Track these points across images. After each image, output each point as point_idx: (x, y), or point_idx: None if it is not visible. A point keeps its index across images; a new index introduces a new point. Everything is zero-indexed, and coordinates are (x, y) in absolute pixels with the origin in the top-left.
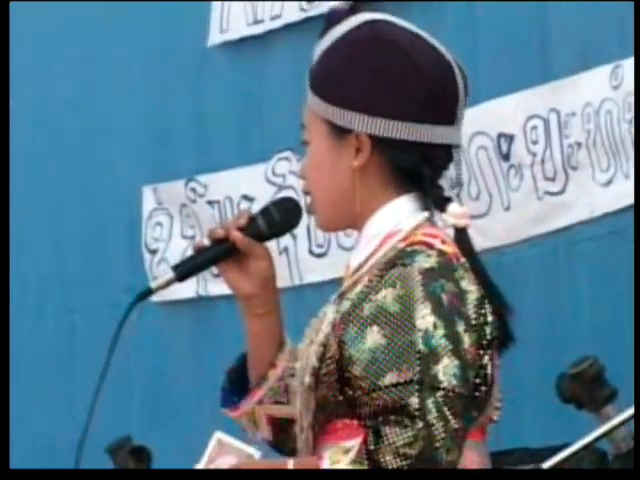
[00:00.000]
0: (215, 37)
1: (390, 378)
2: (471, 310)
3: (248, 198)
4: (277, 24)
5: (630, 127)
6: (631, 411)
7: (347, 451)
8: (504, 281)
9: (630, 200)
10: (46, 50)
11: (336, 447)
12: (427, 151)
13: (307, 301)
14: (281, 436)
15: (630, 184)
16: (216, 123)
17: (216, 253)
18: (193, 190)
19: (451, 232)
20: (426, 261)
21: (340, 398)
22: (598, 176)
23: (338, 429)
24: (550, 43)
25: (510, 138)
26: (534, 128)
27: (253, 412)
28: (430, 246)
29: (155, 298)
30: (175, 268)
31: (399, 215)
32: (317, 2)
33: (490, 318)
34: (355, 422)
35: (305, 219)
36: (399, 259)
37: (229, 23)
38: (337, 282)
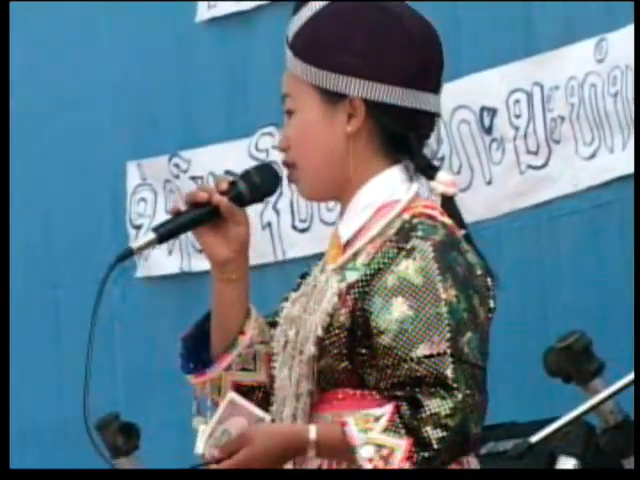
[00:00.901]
0: (203, 12)
1: (422, 349)
2: (480, 283)
3: (231, 174)
4: (264, 1)
5: (615, 101)
6: (622, 382)
7: (377, 419)
8: (486, 255)
9: (614, 174)
10: (29, 26)
11: (361, 414)
12: (415, 118)
13: (291, 276)
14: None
15: (614, 158)
16: (201, 99)
17: (197, 216)
18: (176, 166)
19: (436, 200)
20: (436, 233)
21: (349, 367)
22: (581, 150)
23: (338, 398)
24: (533, 16)
25: (493, 112)
26: (517, 102)
27: (220, 378)
28: (433, 218)
29: (139, 274)
30: (155, 229)
31: (392, 185)
32: None
33: (491, 290)
34: (358, 392)
35: (288, 194)
36: (410, 230)
37: None
38: (321, 257)
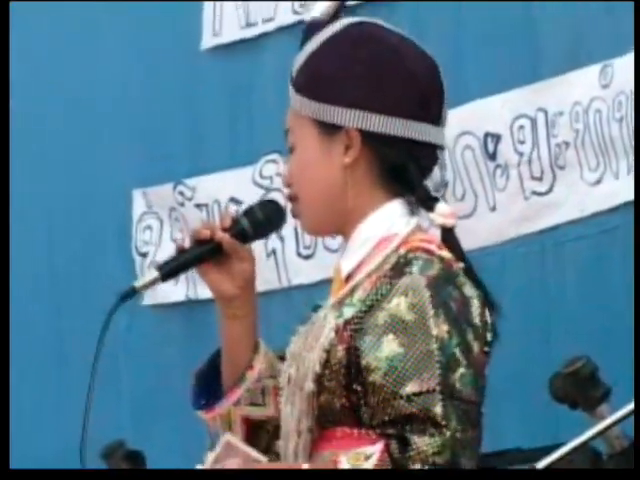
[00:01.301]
0: (208, 40)
1: (412, 387)
2: (476, 317)
3: (236, 201)
4: (270, 27)
5: (620, 126)
6: (626, 410)
7: (368, 457)
8: (490, 282)
9: (619, 200)
10: (39, 52)
11: (353, 453)
12: (414, 149)
13: (295, 303)
14: (253, 438)
15: (620, 184)
16: (206, 126)
17: (200, 253)
18: (181, 193)
19: (436, 232)
20: (431, 268)
21: (346, 405)
22: (587, 175)
23: (337, 437)
24: (538, 42)
25: (497, 138)
26: (521, 128)
27: (229, 413)
28: (430, 252)
29: (146, 302)
30: (159, 268)
31: (391, 219)
32: (310, 3)
33: (489, 322)
34: (356, 431)
35: (292, 221)
36: (404, 266)
37: (222, 26)
38: (326, 284)
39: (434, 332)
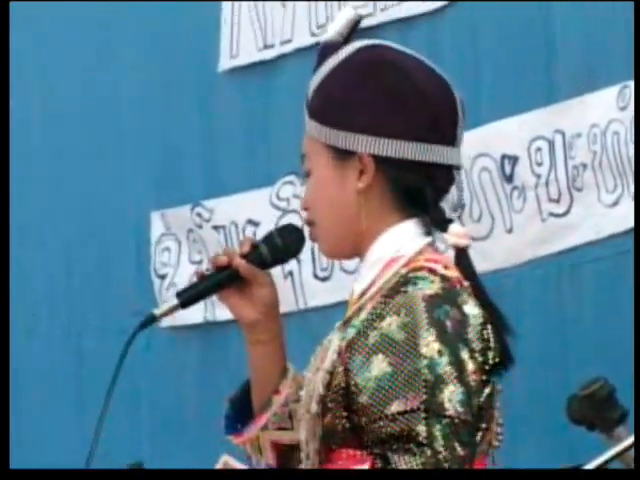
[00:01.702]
0: (225, 62)
1: (396, 406)
2: (475, 335)
3: (253, 222)
4: (287, 49)
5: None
6: None
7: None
8: (506, 304)
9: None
10: (53, 68)
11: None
12: (429, 172)
13: (312, 325)
14: (285, 462)
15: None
16: (223, 148)
17: (219, 280)
18: (199, 215)
19: (452, 253)
20: (429, 287)
21: (347, 426)
22: (604, 197)
23: (343, 458)
24: (555, 64)
25: (514, 160)
26: (538, 149)
27: (257, 438)
28: (433, 271)
29: (164, 323)
30: (179, 295)
31: (402, 240)
32: (328, 26)
33: (493, 342)
34: (359, 452)
35: (309, 242)
36: (402, 285)
37: (239, 48)
38: (342, 306)
39: (423, 351)
